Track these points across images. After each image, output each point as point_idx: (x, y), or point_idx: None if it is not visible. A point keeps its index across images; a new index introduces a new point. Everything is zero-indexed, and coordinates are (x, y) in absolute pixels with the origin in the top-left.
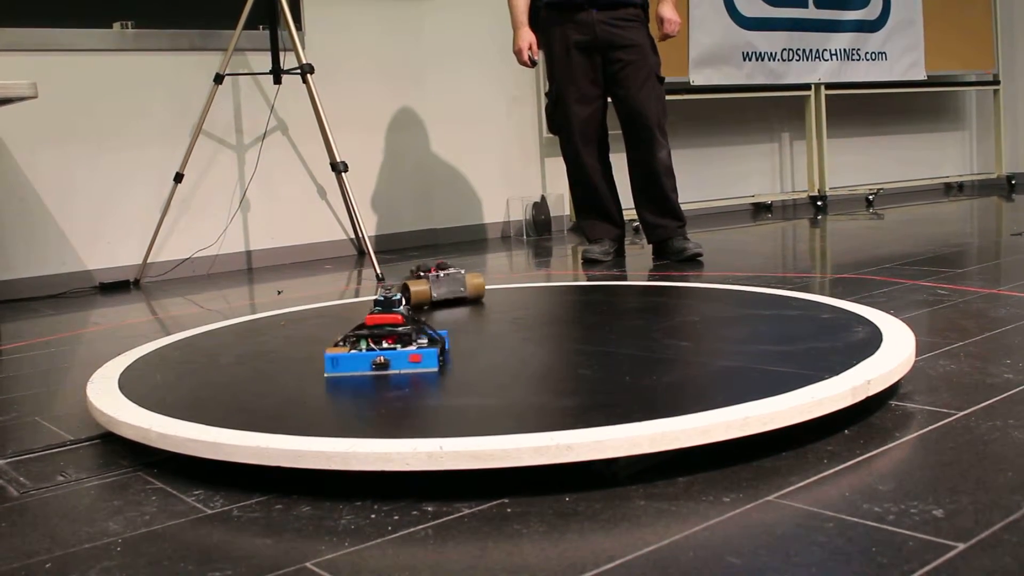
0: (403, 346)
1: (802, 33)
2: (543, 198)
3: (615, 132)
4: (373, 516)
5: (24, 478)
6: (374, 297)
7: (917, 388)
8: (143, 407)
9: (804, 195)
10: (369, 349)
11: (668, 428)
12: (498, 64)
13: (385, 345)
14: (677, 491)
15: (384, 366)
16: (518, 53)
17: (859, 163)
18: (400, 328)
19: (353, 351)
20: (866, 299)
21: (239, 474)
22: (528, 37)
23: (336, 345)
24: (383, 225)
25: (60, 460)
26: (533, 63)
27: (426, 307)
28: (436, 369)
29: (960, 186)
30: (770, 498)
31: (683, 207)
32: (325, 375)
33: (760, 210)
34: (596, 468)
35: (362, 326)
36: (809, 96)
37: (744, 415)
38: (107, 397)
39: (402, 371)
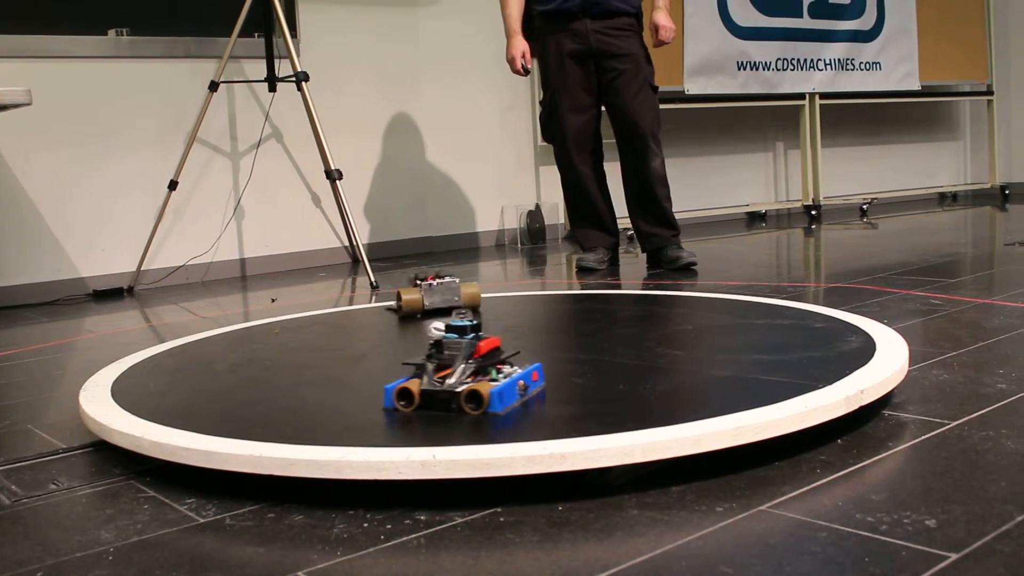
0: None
1: (796, 43)
2: (537, 206)
3: (609, 141)
4: (366, 525)
5: (16, 486)
6: (449, 321)
7: (910, 398)
8: (136, 415)
9: (798, 204)
10: (505, 376)
11: (661, 437)
12: (492, 72)
13: (507, 369)
14: (670, 500)
15: (525, 390)
16: (511, 62)
17: (853, 172)
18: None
19: (497, 383)
20: (859, 308)
21: (232, 482)
22: (521, 45)
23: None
24: (377, 233)
25: (52, 468)
26: (526, 71)
27: (418, 316)
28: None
29: (954, 196)
30: (763, 507)
31: (677, 216)
32: (500, 414)
33: (754, 219)
34: (589, 477)
35: (466, 355)
36: (803, 105)
37: (737, 424)
38: (100, 405)
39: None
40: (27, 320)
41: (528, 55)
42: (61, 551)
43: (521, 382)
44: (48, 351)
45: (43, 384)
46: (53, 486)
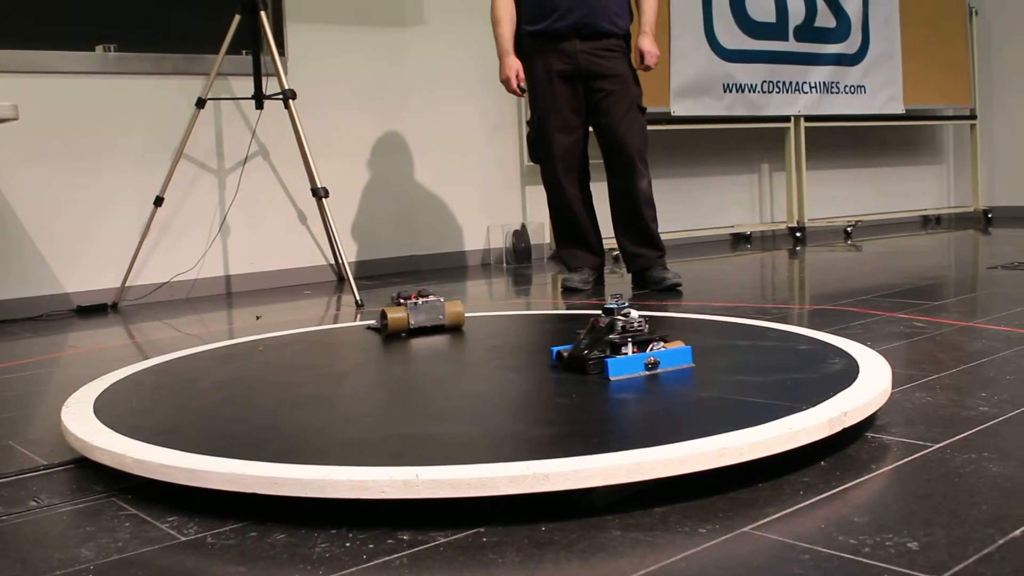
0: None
1: (782, 66)
2: (523, 226)
3: (596, 161)
4: (348, 544)
5: None
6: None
7: (893, 420)
8: (118, 432)
9: (783, 226)
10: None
11: (645, 458)
12: (480, 92)
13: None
14: (653, 521)
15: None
16: (506, 82)
17: (838, 195)
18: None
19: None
20: (843, 330)
21: (214, 500)
22: (515, 65)
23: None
24: (363, 251)
25: (33, 485)
26: (522, 91)
27: (403, 334)
28: None
29: (937, 219)
30: (746, 529)
31: (663, 237)
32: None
33: (739, 240)
34: (573, 498)
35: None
36: (789, 128)
37: (720, 446)
38: (82, 421)
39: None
40: (10, 335)
41: (522, 74)
42: (41, 569)
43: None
44: (31, 366)
45: (25, 400)
46: (34, 503)
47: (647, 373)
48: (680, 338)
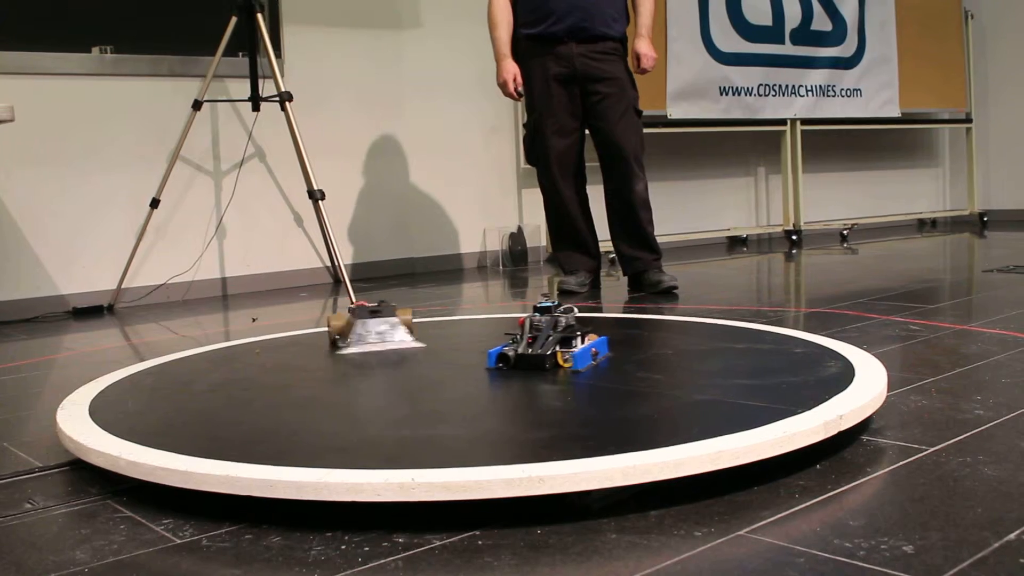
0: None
1: (778, 69)
2: (520, 229)
3: (592, 164)
4: (343, 547)
5: None
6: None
7: (889, 423)
8: (113, 434)
9: (779, 229)
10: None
11: (641, 461)
12: (477, 95)
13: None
14: (649, 524)
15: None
16: (503, 85)
17: (834, 198)
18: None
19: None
20: (839, 334)
21: (209, 503)
22: (512, 68)
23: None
24: (360, 254)
25: (28, 487)
26: (519, 94)
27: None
28: None
29: (933, 222)
30: (741, 532)
31: (659, 240)
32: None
33: (735, 243)
34: (568, 500)
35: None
36: (785, 131)
37: (717, 449)
38: (77, 423)
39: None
40: (6, 337)
41: (519, 78)
42: (36, 571)
43: (594, 349)
44: (26, 368)
45: (21, 402)
46: (28, 505)
47: (595, 363)
48: (676, 341)
